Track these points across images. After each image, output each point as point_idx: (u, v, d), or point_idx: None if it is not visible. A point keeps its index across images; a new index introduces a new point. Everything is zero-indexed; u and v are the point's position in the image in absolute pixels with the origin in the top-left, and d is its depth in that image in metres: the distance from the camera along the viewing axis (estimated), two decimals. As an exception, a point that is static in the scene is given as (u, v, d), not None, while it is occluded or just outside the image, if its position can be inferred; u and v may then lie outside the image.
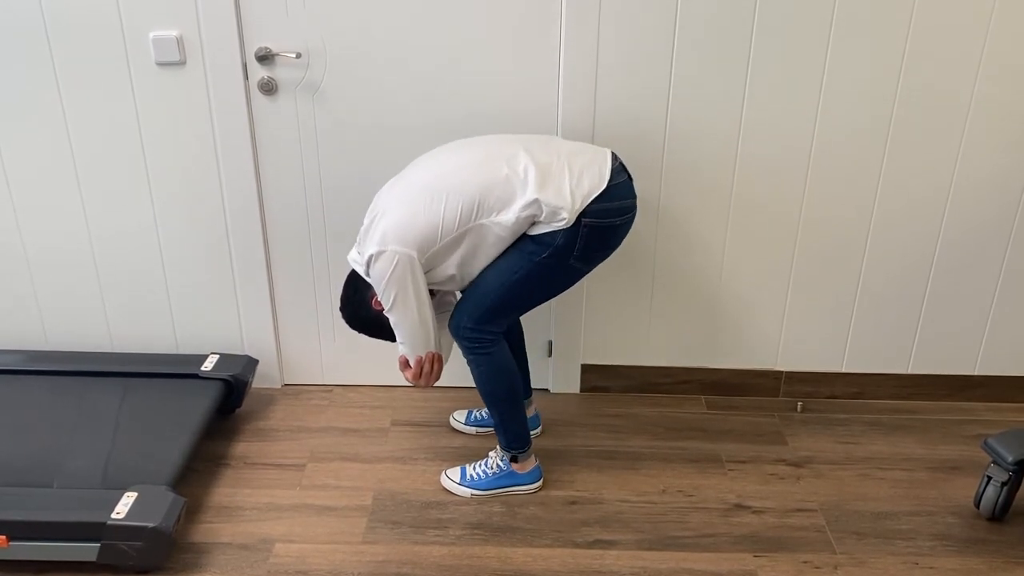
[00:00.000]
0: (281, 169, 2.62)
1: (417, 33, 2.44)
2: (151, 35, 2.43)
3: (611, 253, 2.24)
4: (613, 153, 2.20)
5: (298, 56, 2.46)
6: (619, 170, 2.17)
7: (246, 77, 2.49)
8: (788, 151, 2.55)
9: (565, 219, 2.07)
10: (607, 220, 2.13)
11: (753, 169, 2.57)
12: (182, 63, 2.47)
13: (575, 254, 2.14)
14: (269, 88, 2.50)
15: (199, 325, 2.84)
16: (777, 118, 2.50)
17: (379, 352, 2.88)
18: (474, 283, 2.22)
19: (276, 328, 2.85)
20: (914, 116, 2.50)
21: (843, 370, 2.88)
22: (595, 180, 2.11)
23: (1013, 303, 2.75)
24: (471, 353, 2.28)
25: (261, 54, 2.45)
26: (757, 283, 2.74)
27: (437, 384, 2.88)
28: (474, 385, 2.93)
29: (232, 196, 2.63)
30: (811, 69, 2.44)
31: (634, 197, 2.20)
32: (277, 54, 2.46)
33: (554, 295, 2.28)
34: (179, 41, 2.44)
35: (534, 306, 2.28)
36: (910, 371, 2.87)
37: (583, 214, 2.09)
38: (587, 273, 2.25)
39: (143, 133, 2.56)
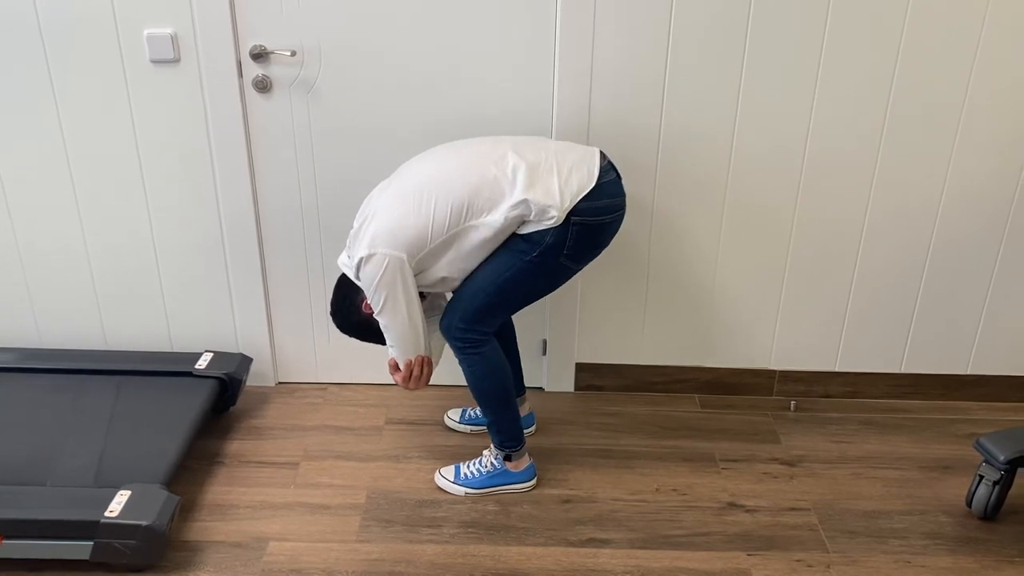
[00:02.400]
0: (275, 167, 2.61)
1: (412, 32, 2.44)
2: (145, 32, 2.43)
3: (600, 251, 2.24)
4: (602, 152, 2.21)
5: (293, 54, 2.46)
6: (608, 168, 2.18)
7: (241, 75, 2.49)
8: (782, 152, 2.55)
9: (554, 217, 2.07)
10: (597, 218, 2.13)
11: (747, 170, 2.58)
12: (176, 61, 2.47)
13: (565, 252, 2.14)
14: (264, 86, 2.49)
15: (193, 323, 2.83)
16: (771, 120, 2.51)
17: (373, 351, 2.87)
18: (464, 283, 2.22)
19: (270, 326, 2.85)
20: (907, 119, 2.50)
21: (836, 369, 2.88)
22: (584, 179, 2.12)
23: (1005, 303, 2.76)
24: (462, 353, 2.28)
25: (256, 52, 2.44)
26: (751, 282, 2.75)
27: (431, 383, 2.88)
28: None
29: (226, 194, 2.63)
30: (804, 74, 2.44)
31: (623, 195, 2.21)
32: (272, 52, 2.46)
33: (544, 294, 2.28)
34: (174, 39, 2.43)
35: (525, 305, 2.28)
36: (903, 370, 2.88)
37: (572, 212, 2.09)
38: (576, 272, 2.25)
39: (137, 131, 2.56)
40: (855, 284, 2.74)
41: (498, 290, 2.18)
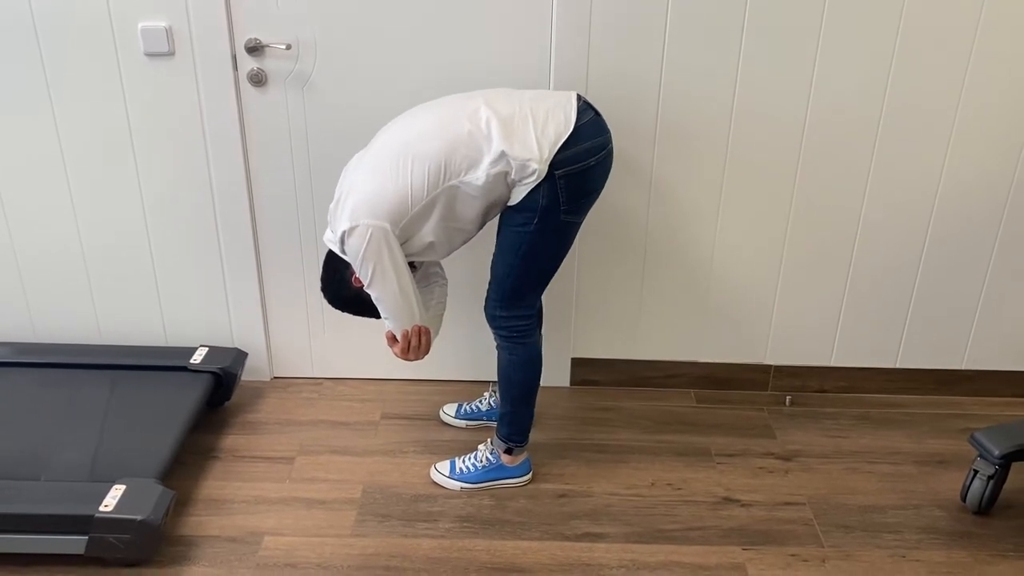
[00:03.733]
0: (270, 161, 2.61)
1: (407, 24, 2.43)
2: (140, 25, 2.41)
3: (597, 196, 2.19)
4: (579, 94, 2.16)
5: (288, 47, 2.45)
6: (585, 108, 2.12)
7: (236, 68, 2.48)
8: (778, 151, 2.55)
9: (535, 170, 2.03)
10: (581, 164, 2.08)
11: (744, 167, 2.58)
12: (171, 54, 2.46)
13: (563, 208, 2.10)
14: (259, 80, 2.49)
15: (188, 318, 2.83)
16: (768, 116, 2.50)
17: (369, 345, 2.87)
18: (491, 276, 2.24)
19: (265, 321, 2.85)
20: (904, 114, 2.50)
21: (832, 364, 2.89)
22: (561, 126, 2.06)
23: (1000, 298, 2.77)
24: (508, 341, 2.28)
25: (251, 45, 2.44)
26: (747, 277, 2.75)
27: (428, 378, 2.88)
28: (465, 378, 2.94)
29: (221, 189, 2.62)
30: (800, 71, 2.44)
31: (606, 133, 2.14)
32: (267, 45, 2.45)
33: (564, 254, 2.23)
34: (168, 32, 2.42)
35: (551, 273, 2.25)
36: (898, 365, 2.88)
37: (555, 165, 2.04)
38: (582, 223, 2.21)
39: (131, 125, 2.55)
40: (851, 279, 2.75)
41: (519, 269, 2.18)
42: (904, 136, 2.53)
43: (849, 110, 2.50)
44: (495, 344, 2.34)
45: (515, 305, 2.25)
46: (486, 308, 2.29)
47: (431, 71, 2.48)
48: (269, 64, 2.48)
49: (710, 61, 2.44)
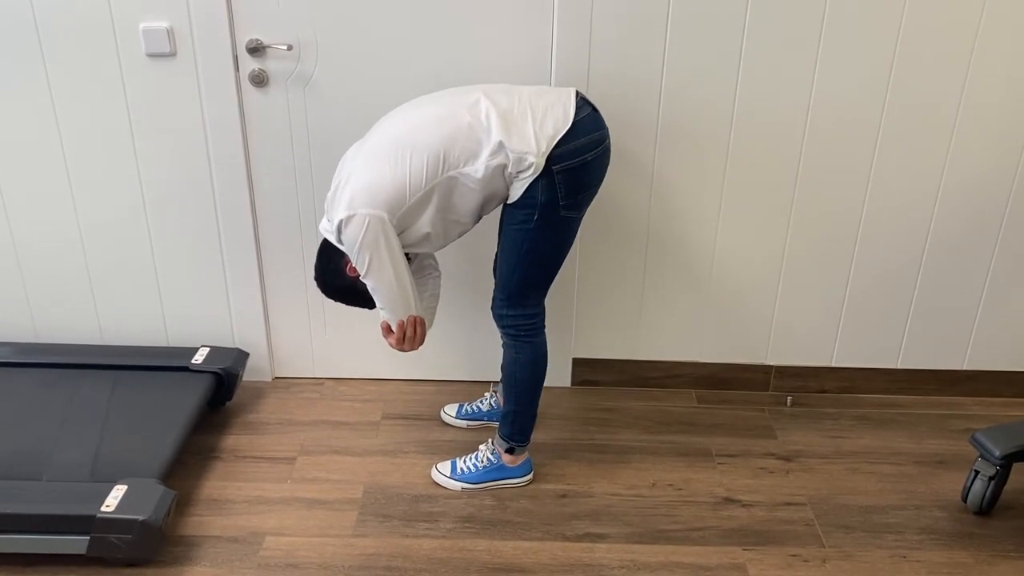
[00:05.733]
0: (272, 161, 2.61)
1: (408, 24, 2.43)
2: (141, 26, 2.42)
3: (596, 191, 2.19)
4: (577, 91, 2.16)
5: (289, 48, 2.45)
6: (582, 104, 2.13)
7: (237, 69, 2.48)
8: (780, 151, 2.55)
9: (532, 164, 2.03)
10: (578, 159, 2.08)
11: (746, 168, 2.58)
12: (172, 55, 2.46)
13: (562, 204, 2.11)
14: (260, 80, 2.49)
15: (189, 318, 2.83)
16: (768, 115, 2.50)
17: (370, 345, 2.87)
18: (496, 276, 2.25)
19: (267, 321, 2.85)
20: (904, 114, 2.50)
21: (833, 364, 2.89)
22: (559, 121, 2.07)
23: (1001, 298, 2.77)
24: (516, 339, 2.28)
25: (252, 46, 2.44)
26: (748, 278, 2.75)
27: (428, 378, 2.88)
28: (465, 379, 2.94)
29: (223, 189, 2.62)
30: (802, 70, 2.44)
31: (603, 129, 2.15)
32: (268, 46, 2.45)
33: (567, 249, 2.24)
34: (169, 32, 2.42)
35: (555, 269, 2.26)
36: (899, 366, 2.88)
37: (552, 160, 2.05)
38: (581, 218, 2.21)
39: (133, 125, 2.55)
40: (851, 280, 2.75)
41: (523, 267, 2.19)
42: (905, 136, 2.53)
43: (850, 109, 2.50)
44: (501, 343, 2.35)
45: (521, 303, 2.25)
46: (493, 307, 2.30)
47: (432, 71, 2.48)
48: (270, 64, 2.48)
49: (711, 60, 2.44)
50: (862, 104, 2.49)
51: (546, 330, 2.33)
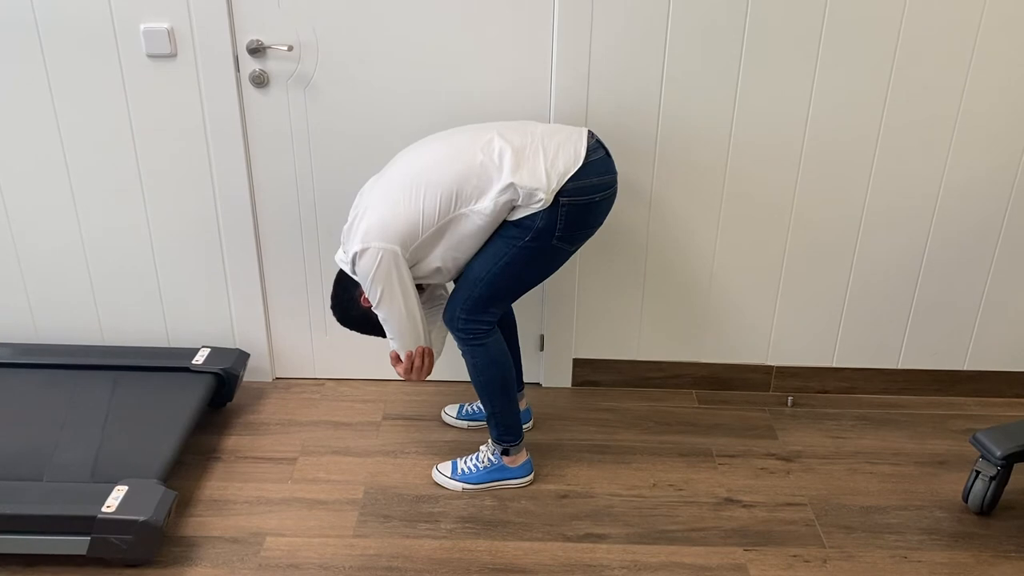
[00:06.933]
0: (272, 162, 2.61)
1: (409, 26, 2.43)
2: (142, 27, 2.42)
3: (594, 231, 2.23)
4: (590, 131, 2.20)
5: (290, 49, 2.45)
6: (596, 147, 2.17)
7: (237, 70, 2.48)
8: (779, 149, 2.55)
9: (542, 200, 2.07)
10: (586, 197, 2.12)
11: (745, 165, 2.58)
12: (173, 55, 2.46)
13: (557, 234, 2.14)
14: (261, 81, 2.49)
15: (190, 318, 2.83)
16: (768, 116, 2.51)
17: (370, 346, 2.87)
18: (463, 274, 2.23)
19: (267, 322, 2.85)
20: (905, 116, 2.50)
21: (833, 365, 2.89)
22: (570, 159, 2.11)
23: (1002, 298, 2.77)
24: (466, 344, 2.28)
25: (253, 47, 2.44)
26: (748, 278, 2.75)
27: (429, 378, 2.88)
28: (466, 379, 2.95)
29: (223, 190, 2.62)
30: (802, 71, 2.44)
31: (613, 173, 2.19)
32: (269, 47, 2.45)
33: (543, 278, 2.27)
34: (170, 33, 2.42)
35: (524, 291, 2.28)
36: (900, 366, 2.88)
37: (561, 193, 2.09)
38: (572, 253, 2.24)
39: (134, 126, 2.55)
40: (852, 280, 2.75)
41: (496, 278, 2.19)
42: (906, 136, 2.53)
43: (851, 110, 2.50)
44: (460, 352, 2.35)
45: (479, 311, 2.25)
46: (448, 305, 2.28)
47: (432, 73, 2.49)
48: (271, 65, 2.48)
49: (709, 63, 2.44)
50: (863, 105, 2.49)
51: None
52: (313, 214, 2.68)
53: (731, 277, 2.75)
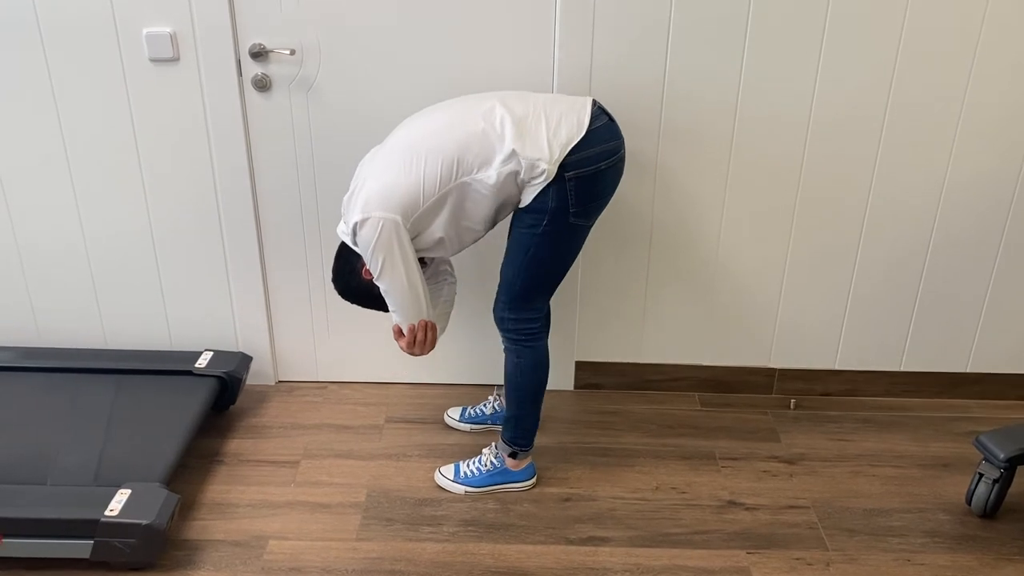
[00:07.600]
0: (275, 166, 2.61)
1: (411, 29, 2.43)
2: (144, 31, 2.42)
3: (607, 201, 2.20)
4: (594, 100, 2.17)
5: (292, 53, 2.46)
6: (599, 114, 2.14)
7: (240, 73, 2.49)
8: (782, 153, 2.55)
9: (545, 171, 2.05)
10: (591, 167, 2.09)
11: (748, 170, 2.58)
12: (176, 59, 2.46)
13: (572, 211, 2.12)
14: (263, 85, 2.49)
15: (193, 322, 2.83)
16: (770, 117, 2.50)
17: (373, 348, 2.88)
18: (500, 280, 2.25)
19: (270, 325, 2.85)
20: (907, 116, 2.50)
21: (836, 367, 2.88)
22: (573, 129, 2.08)
23: (1005, 301, 2.76)
24: (517, 344, 2.28)
25: (255, 50, 2.44)
26: (751, 280, 2.75)
27: (432, 381, 2.88)
28: (469, 382, 2.95)
29: (226, 193, 2.63)
30: (804, 72, 2.44)
31: (619, 139, 2.16)
32: (271, 50, 2.46)
33: (573, 257, 2.24)
34: (173, 37, 2.43)
35: (560, 275, 2.26)
36: (903, 368, 2.88)
37: (565, 167, 2.06)
38: (590, 228, 2.21)
39: (136, 130, 2.56)
40: (855, 282, 2.74)
41: (527, 270, 2.19)
42: (908, 137, 2.53)
43: (853, 110, 2.50)
44: (503, 347, 2.35)
45: (523, 308, 2.25)
46: (495, 310, 2.30)
47: (434, 76, 2.49)
48: (273, 69, 2.49)
49: (713, 61, 2.44)
50: (864, 108, 2.49)
51: (549, 334, 2.34)
52: (316, 217, 2.68)
53: (734, 279, 2.75)
